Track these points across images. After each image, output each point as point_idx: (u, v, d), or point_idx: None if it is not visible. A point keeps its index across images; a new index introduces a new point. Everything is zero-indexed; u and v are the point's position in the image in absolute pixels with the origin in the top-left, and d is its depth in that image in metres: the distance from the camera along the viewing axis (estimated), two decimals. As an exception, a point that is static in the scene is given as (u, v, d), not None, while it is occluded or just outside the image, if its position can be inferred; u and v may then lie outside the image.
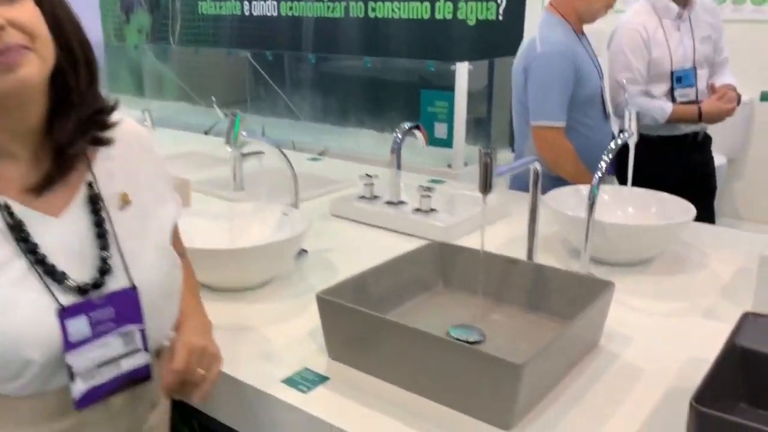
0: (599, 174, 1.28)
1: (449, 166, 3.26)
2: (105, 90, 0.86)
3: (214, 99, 1.94)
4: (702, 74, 2.27)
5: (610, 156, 1.29)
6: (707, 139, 2.35)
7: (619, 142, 1.32)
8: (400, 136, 1.66)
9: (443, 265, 1.24)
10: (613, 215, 1.51)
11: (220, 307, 1.21)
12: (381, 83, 4.24)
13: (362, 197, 1.73)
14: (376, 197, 1.72)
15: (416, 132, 1.71)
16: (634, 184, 1.53)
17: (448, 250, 1.24)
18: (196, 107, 3.93)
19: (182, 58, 4.92)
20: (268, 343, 1.08)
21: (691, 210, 1.41)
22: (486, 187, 1.03)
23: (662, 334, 1.13)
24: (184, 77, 4.60)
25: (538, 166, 1.20)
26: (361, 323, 0.97)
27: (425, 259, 1.23)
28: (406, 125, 1.66)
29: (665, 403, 0.93)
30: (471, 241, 1.22)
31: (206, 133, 3.08)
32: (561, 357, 0.96)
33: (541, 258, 1.44)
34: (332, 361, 1.03)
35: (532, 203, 1.24)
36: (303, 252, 1.47)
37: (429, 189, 1.63)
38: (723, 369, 0.82)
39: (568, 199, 1.50)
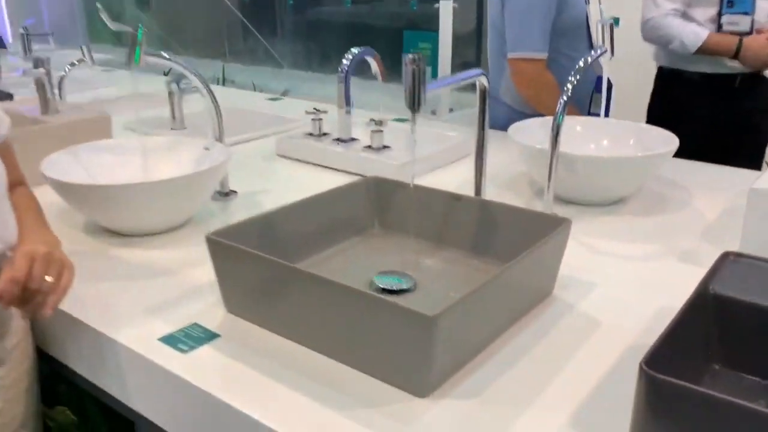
0: (564, 98, 1.09)
1: (433, 112, 3.05)
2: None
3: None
4: (764, 5, 1.86)
5: (577, 76, 1.10)
6: (762, 83, 1.95)
7: (591, 58, 1.13)
8: (347, 63, 1.46)
9: (379, 204, 1.07)
10: (585, 148, 1.32)
11: (119, 253, 1.04)
12: (364, 27, 4.01)
13: (309, 134, 1.54)
14: (324, 134, 1.54)
15: (370, 60, 1.51)
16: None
17: (384, 187, 1.06)
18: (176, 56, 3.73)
19: (161, 8, 4.70)
20: (160, 295, 0.91)
21: (673, 141, 1.22)
22: (414, 102, 0.85)
23: (630, 282, 0.95)
24: (164, 26, 4.39)
25: (484, 80, 1.01)
26: (258, 270, 0.80)
27: (357, 196, 1.05)
28: (355, 50, 1.46)
29: (620, 366, 0.76)
30: (428, 182, 1.04)
31: (165, 74, 2.88)
32: (497, 308, 0.78)
33: (504, 200, 1.27)
34: (230, 315, 0.86)
35: (479, 126, 1.06)
36: (232, 193, 1.29)
37: (380, 123, 1.44)
38: (690, 322, 0.64)
39: (535, 132, 1.31)
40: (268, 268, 0.78)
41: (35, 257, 0.77)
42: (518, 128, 1.32)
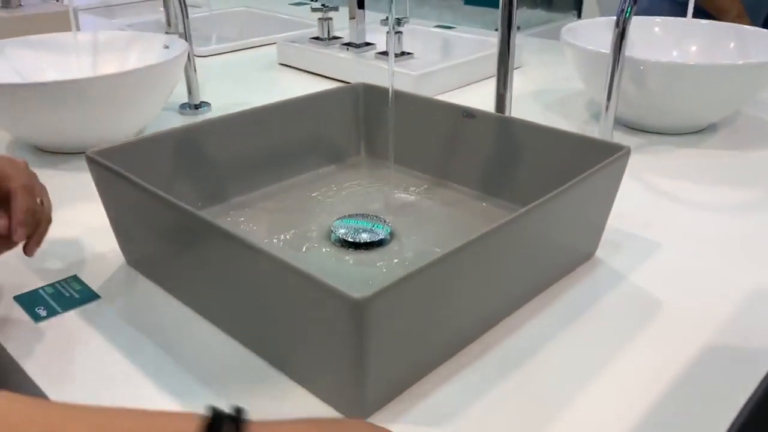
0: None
1: (497, 29, 2.66)
2: None
3: None
4: None
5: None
6: None
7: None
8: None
9: (367, 122, 0.79)
10: (664, 54, 0.99)
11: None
12: None
13: (316, 39, 1.26)
14: (335, 38, 1.25)
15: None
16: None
17: (375, 97, 0.78)
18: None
19: None
20: (54, 233, 0.68)
21: (790, 46, 0.88)
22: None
23: (711, 244, 0.65)
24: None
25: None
26: (149, 210, 0.55)
27: (337, 110, 0.78)
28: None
29: (690, 377, 0.48)
30: (456, 99, 0.76)
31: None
32: (499, 277, 0.51)
33: (548, 122, 0.96)
34: (129, 269, 0.62)
35: (502, 9, 0.75)
36: (204, 105, 1.04)
37: (399, 22, 1.14)
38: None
39: (600, 34, 0.99)
40: (156, 208, 0.52)
41: (33, 186, 0.56)
42: (577, 28, 1.00)
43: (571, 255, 0.60)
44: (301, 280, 0.40)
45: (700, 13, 1.36)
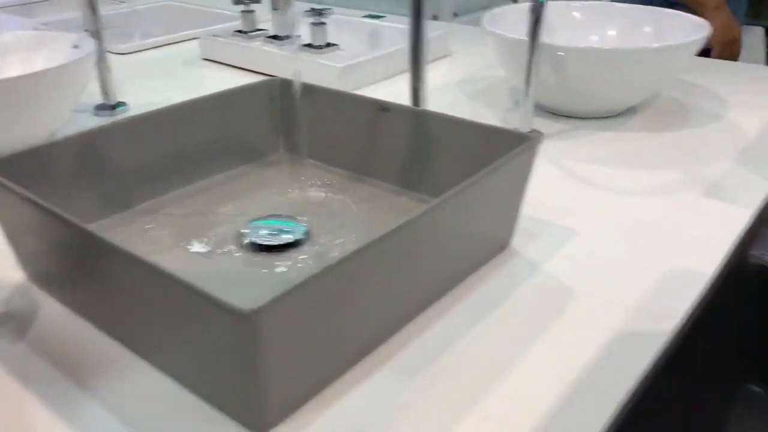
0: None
1: (435, 17, 2.67)
2: None
3: None
4: None
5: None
6: None
7: None
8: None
9: (285, 118, 0.77)
10: (583, 40, 1.00)
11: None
12: None
13: (239, 32, 1.23)
14: (259, 31, 1.22)
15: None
16: None
17: (292, 93, 0.76)
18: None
19: None
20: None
21: (702, 28, 0.89)
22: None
23: (627, 228, 0.66)
24: None
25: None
26: (36, 222, 0.52)
27: (253, 107, 0.76)
28: None
29: (599, 367, 0.48)
30: (382, 92, 0.74)
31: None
32: (407, 275, 0.50)
33: (473, 113, 0.96)
34: (30, 284, 0.59)
35: (412, 8, 0.74)
36: (120, 105, 1.00)
37: (322, 13, 1.12)
38: (716, 312, 0.36)
39: (523, 20, 0.98)
40: (42, 220, 0.50)
41: None
42: (498, 16, 1.00)
43: (484, 246, 0.59)
44: (187, 292, 0.39)
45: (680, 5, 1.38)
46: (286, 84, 0.76)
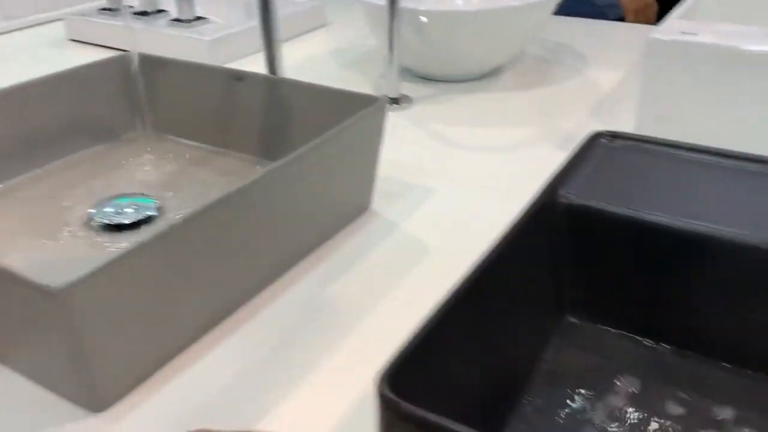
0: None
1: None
2: None
3: None
4: None
5: None
6: None
7: None
8: None
9: (146, 94, 0.75)
10: (447, 3, 1.01)
11: None
12: None
13: (105, 10, 1.18)
14: (128, 7, 1.18)
15: None
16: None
17: (153, 67, 0.73)
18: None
19: None
20: None
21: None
22: None
23: (484, 183, 0.68)
24: None
25: None
26: None
27: (108, 83, 0.73)
28: None
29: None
30: (258, 64, 0.73)
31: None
32: (252, 242, 0.49)
33: (344, 81, 0.96)
34: None
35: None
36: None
37: (189, -14, 1.09)
38: (529, 249, 0.38)
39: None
40: None
41: None
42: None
43: (342, 209, 0.60)
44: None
45: None
46: (145, 59, 0.74)
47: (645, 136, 0.45)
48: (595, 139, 0.46)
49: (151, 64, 0.73)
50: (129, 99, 0.74)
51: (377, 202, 0.64)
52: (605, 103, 0.86)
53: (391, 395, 0.25)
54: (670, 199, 0.39)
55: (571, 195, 0.40)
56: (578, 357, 0.39)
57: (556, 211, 0.39)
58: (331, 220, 0.58)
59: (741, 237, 0.36)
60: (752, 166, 0.42)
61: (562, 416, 0.36)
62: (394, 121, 0.82)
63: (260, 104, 0.67)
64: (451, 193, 0.66)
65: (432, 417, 0.24)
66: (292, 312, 0.50)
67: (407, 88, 0.91)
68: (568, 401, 0.37)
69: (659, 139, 0.44)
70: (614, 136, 0.45)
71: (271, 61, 0.70)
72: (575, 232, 0.40)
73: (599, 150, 0.45)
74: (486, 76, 0.95)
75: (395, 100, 0.86)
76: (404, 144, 0.77)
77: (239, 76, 0.68)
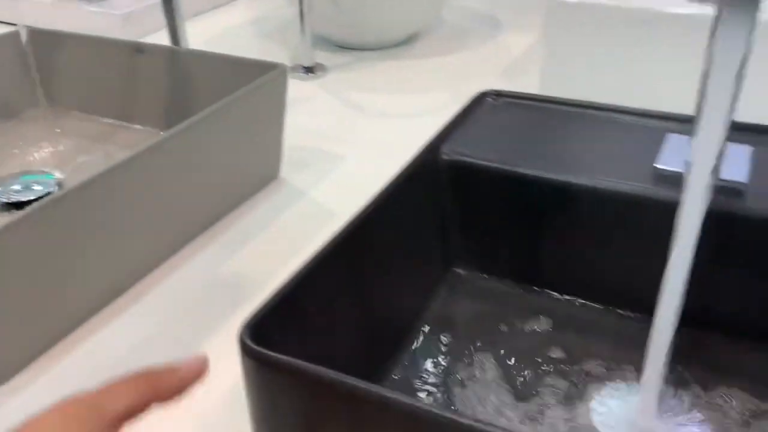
0: None
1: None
2: None
3: None
4: None
5: None
6: None
7: None
8: None
9: (42, 70, 0.72)
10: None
11: None
12: None
13: (8, -16, 1.13)
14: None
15: None
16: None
17: (47, 42, 0.71)
18: None
19: None
20: None
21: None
22: None
23: (394, 149, 0.68)
24: None
25: None
26: None
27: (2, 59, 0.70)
28: None
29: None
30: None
31: None
32: (155, 208, 0.49)
33: (264, 52, 0.95)
34: None
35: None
36: None
37: (95, -42, 1.05)
38: (416, 204, 0.39)
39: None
40: None
41: None
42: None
43: (248, 177, 0.60)
44: None
45: None
46: (37, 33, 0.71)
47: (529, 94, 0.46)
48: (481, 98, 0.47)
49: (43, 38, 0.71)
50: (25, 76, 0.72)
51: (286, 170, 0.64)
52: (516, 66, 0.87)
53: (251, 343, 0.26)
54: (548, 154, 0.41)
55: (453, 152, 0.41)
56: (464, 306, 0.41)
57: (438, 168, 0.41)
58: (235, 189, 0.58)
59: (609, 185, 0.38)
60: (627, 118, 0.44)
61: (444, 363, 0.38)
62: (308, 89, 0.82)
63: (163, 76, 0.66)
64: (361, 160, 0.67)
65: (292, 362, 0.25)
66: (192, 284, 0.50)
67: (323, 57, 0.91)
68: (452, 348, 0.38)
69: (542, 96, 0.46)
70: (498, 94, 0.47)
71: (174, 33, 0.69)
72: (458, 188, 0.41)
73: (484, 108, 0.46)
74: (401, 44, 0.95)
75: (310, 69, 0.86)
76: (317, 112, 0.77)
77: (140, 48, 0.66)
